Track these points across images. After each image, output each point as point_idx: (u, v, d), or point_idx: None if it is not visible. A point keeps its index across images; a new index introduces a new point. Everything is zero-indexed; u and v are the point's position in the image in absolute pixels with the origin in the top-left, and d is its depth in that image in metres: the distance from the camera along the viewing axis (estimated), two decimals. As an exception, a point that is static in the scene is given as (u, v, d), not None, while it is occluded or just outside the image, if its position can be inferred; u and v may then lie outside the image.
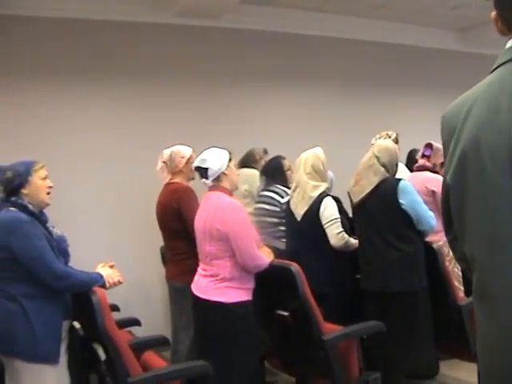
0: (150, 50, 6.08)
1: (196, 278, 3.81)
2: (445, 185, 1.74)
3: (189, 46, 6.24)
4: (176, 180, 4.42)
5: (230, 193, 3.74)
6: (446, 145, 1.72)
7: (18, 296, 3.03)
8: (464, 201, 1.64)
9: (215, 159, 3.70)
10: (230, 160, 3.76)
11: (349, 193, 4.37)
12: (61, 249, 3.27)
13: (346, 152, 6.20)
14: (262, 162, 5.78)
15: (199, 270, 3.81)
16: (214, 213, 3.62)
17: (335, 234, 4.30)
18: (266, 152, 5.92)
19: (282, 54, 6.71)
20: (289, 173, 5.18)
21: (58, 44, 5.71)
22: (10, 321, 3.02)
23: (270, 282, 3.69)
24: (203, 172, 3.72)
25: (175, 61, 6.19)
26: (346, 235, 4.32)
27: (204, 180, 3.75)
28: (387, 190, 4.07)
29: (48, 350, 3.05)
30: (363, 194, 4.15)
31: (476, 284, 1.65)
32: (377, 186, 4.09)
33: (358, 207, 4.26)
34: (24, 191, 3.15)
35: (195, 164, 3.78)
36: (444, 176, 1.75)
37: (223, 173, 3.71)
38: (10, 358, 3.07)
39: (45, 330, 3.04)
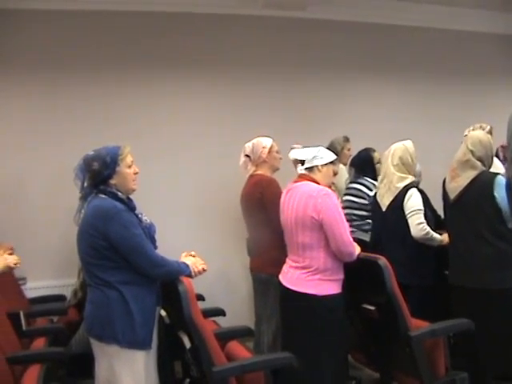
0: (237, 42, 6.13)
1: (285, 269, 3.80)
2: (508, 182, 1.75)
3: (276, 37, 6.24)
4: (260, 171, 4.44)
5: (318, 184, 3.70)
6: (510, 144, 1.73)
7: (114, 283, 3.07)
8: None
9: (317, 151, 3.73)
10: (332, 162, 3.78)
11: (444, 189, 4.26)
12: (150, 236, 3.29)
13: (435, 143, 6.08)
14: (345, 151, 5.74)
15: (289, 261, 3.79)
16: (305, 201, 3.59)
17: (415, 224, 4.23)
18: (346, 140, 5.82)
19: (369, 44, 6.60)
20: (378, 166, 5.12)
21: (152, 37, 5.87)
22: (110, 307, 3.05)
23: (356, 276, 3.64)
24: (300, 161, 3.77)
25: (262, 52, 6.20)
26: (426, 227, 4.23)
27: (299, 166, 3.77)
28: (484, 183, 3.95)
29: (144, 337, 3.09)
30: (459, 190, 4.04)
31: None
32: (473, 180, 3.98)
33: (453, 203, 4.15)
34: (112, 181, 3.18)
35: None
36: (507, 174, 1.76)
37: (317, 167, 3.70)
38: (104, 344, 3.10)
39: (142, 317, 3.08)
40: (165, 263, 3.16)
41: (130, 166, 3.24)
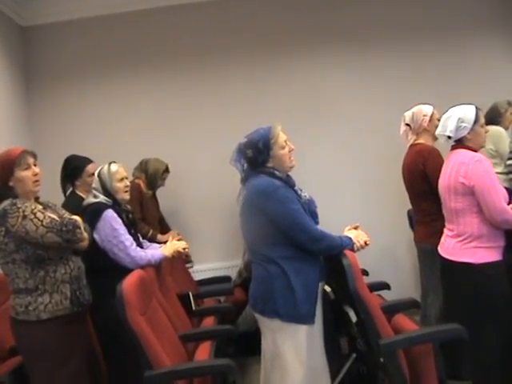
0: (386, 17, 6.08)
1: (443, 239, 3.71)
2: None
3: (421, 10, 6.12)
4: (421, 141, 4.32)
5: (474, 150, 3.55)
6: None
7: (276, 258, 3.12)
8: None
9: (456, 122, 3.53)
10: (475, 122, 3.55)
11: None
12: (310, 211, 3.31)
13: None
14: (508, 114, 5.47)
15: (446, 230, 3.69)
16: (457, 168, 3.48)
17: None
18: (510, 104, 5.55)
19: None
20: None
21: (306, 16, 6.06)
22: (272, 282, 3.11)
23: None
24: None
25: (412, 25, 6.11)
26: None
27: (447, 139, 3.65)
28: None
29: (306, 311, 3.11)
30: None
31: None
32: None
33: None
34: (269, 164, 3.25)
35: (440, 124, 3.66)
36: None
37: (465, 137, 3.55)
38: (267, 318, 3.17)
39: (304, 291, 3.09)
40: (325, 237, 3.15)
41: (283, 147, 3.27)
